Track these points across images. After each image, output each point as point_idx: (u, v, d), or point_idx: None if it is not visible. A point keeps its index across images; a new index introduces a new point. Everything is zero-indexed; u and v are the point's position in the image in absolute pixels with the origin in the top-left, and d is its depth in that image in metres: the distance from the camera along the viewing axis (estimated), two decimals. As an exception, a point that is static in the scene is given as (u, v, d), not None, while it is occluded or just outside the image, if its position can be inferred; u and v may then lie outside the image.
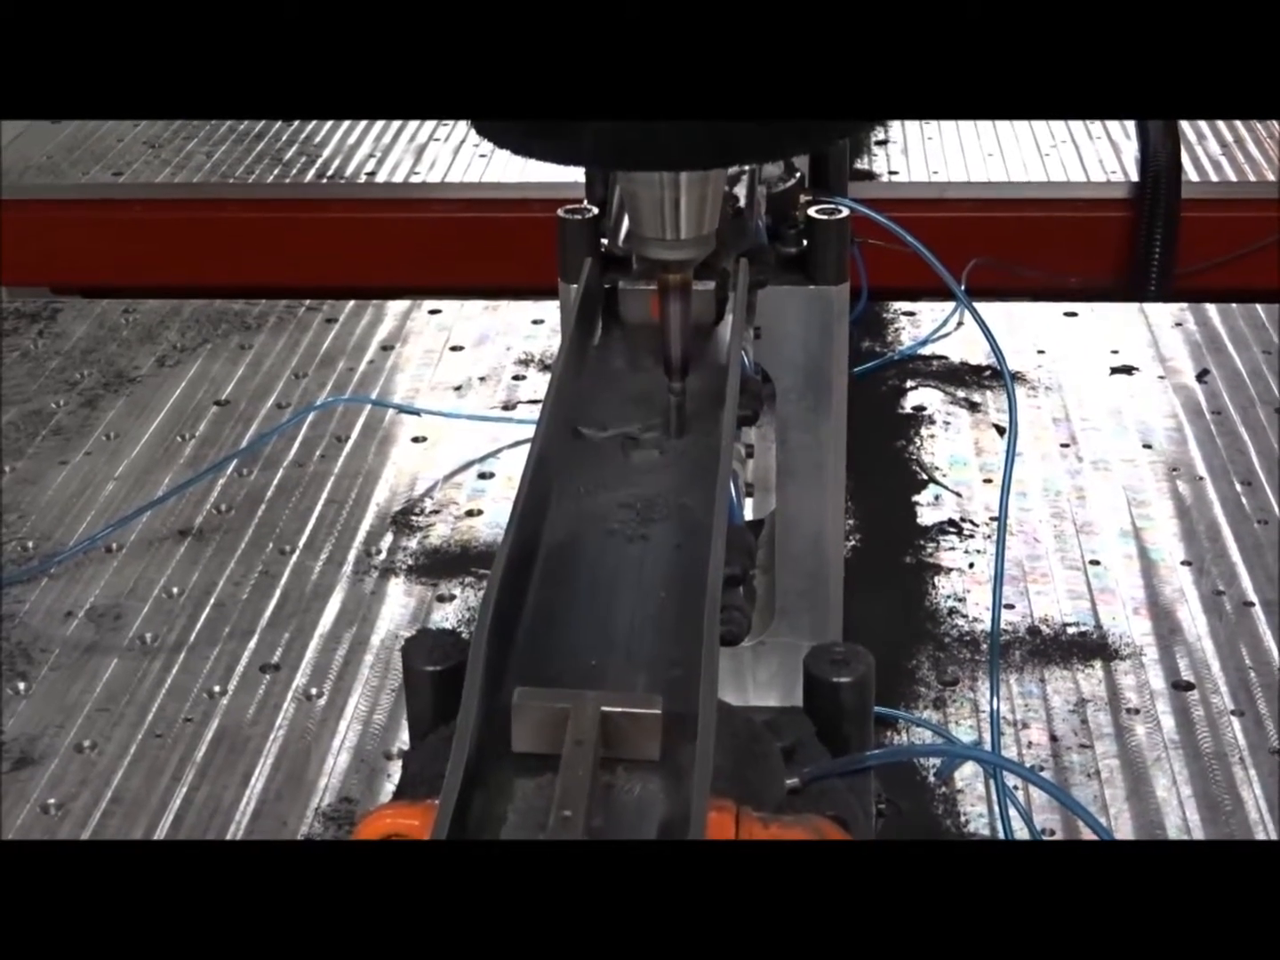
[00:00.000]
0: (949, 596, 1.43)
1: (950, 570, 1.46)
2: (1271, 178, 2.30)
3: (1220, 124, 2.46)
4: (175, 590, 1.45)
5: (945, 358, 1.83)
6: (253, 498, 1.59)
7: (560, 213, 1.08)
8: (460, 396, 1.77)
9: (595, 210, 1.07)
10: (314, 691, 1.32)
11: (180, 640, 1.39)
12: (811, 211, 1.08)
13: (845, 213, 1.08)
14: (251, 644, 1.38)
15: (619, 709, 0.54)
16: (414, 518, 1.56)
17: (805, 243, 1.09)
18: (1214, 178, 2.31)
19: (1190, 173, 2.30)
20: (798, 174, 1.15)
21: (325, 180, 2.37)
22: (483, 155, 2.42)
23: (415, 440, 1.69)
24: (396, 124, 2.55)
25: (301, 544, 1.52)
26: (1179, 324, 1.89)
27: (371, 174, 2.38)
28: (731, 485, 0.69)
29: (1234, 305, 1.91)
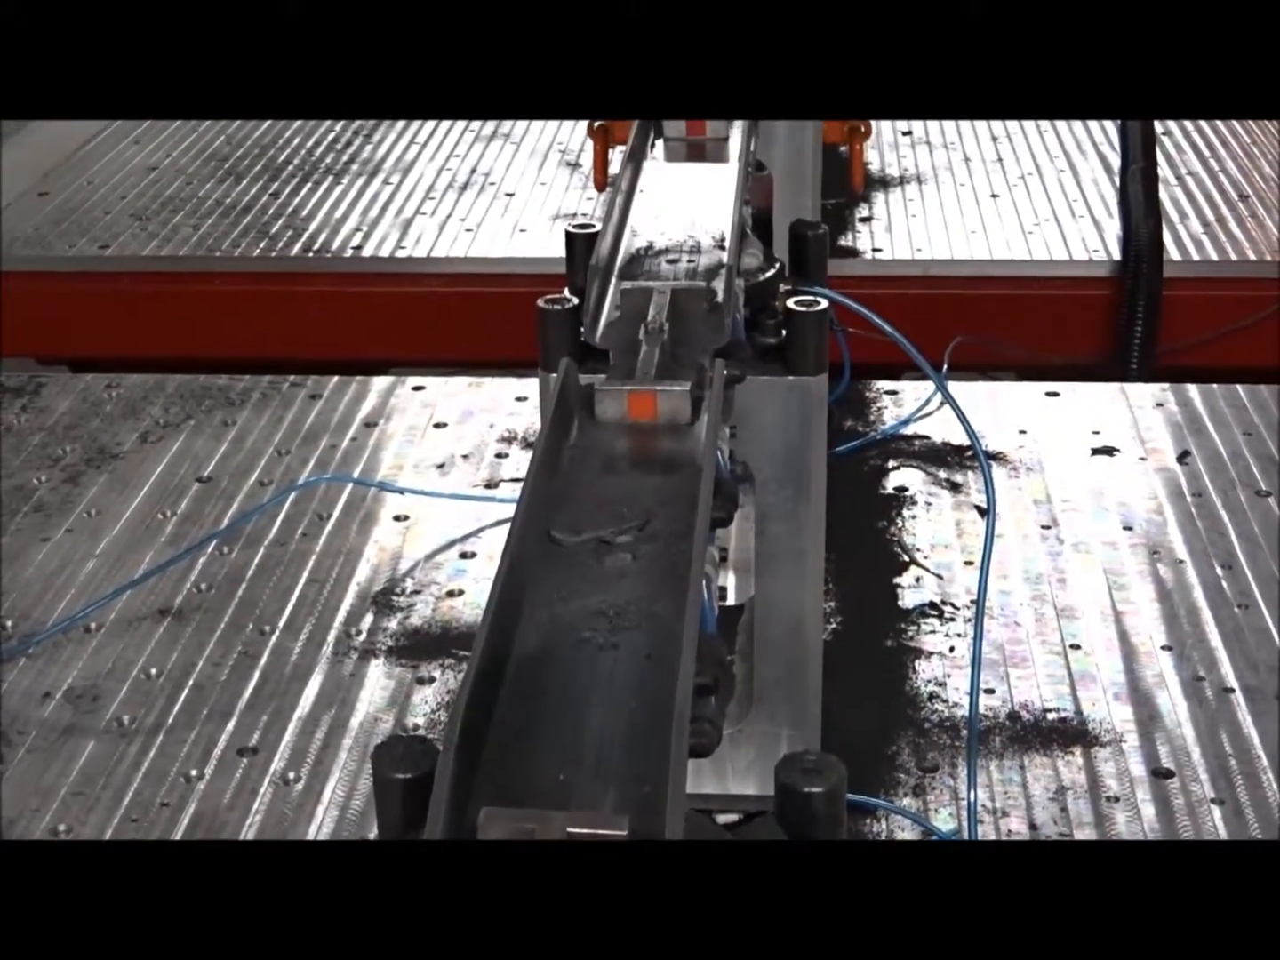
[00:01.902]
0: (929, 681, 1.43)
1: (931, 654, 1.46)
2: (1253, 256, 2.31)
3: (1201, 202, 2.48)
4: (154, 671, 1.45)
5: (927, 437, 1.83)
6: (233, 577, 1.59)
7: (540, 303, 1.08)
8: (443, 474, 1.77)
9: (575, 300, 1.08)
10: (291, 776, 1.32)
11: (158, 722, 1.38)
12: (790, 303, 1.08)
13: (824, 304, 1.08)
14: (230, 726, 1.38)
15: (585, 830, 0.54)
16: (395, 598, 1.56)
17: (784, 333, 1.09)
18: (1195, 256, 2.32)
19: (1172, 251, 2.31)
20: (777, 263, 1.16)
21: (311, 254, 2.37)
22: (469, 230, 2.43)
23: (397, 519, 1.69)
24: (383, 199, 2.56)
25: (281, 624, 1.52)
26: (1160, 404, 1.89)
27: (358, 248, 2.39)
28: (705, 591, 0.69)
29: (1215, 386, 1.92)
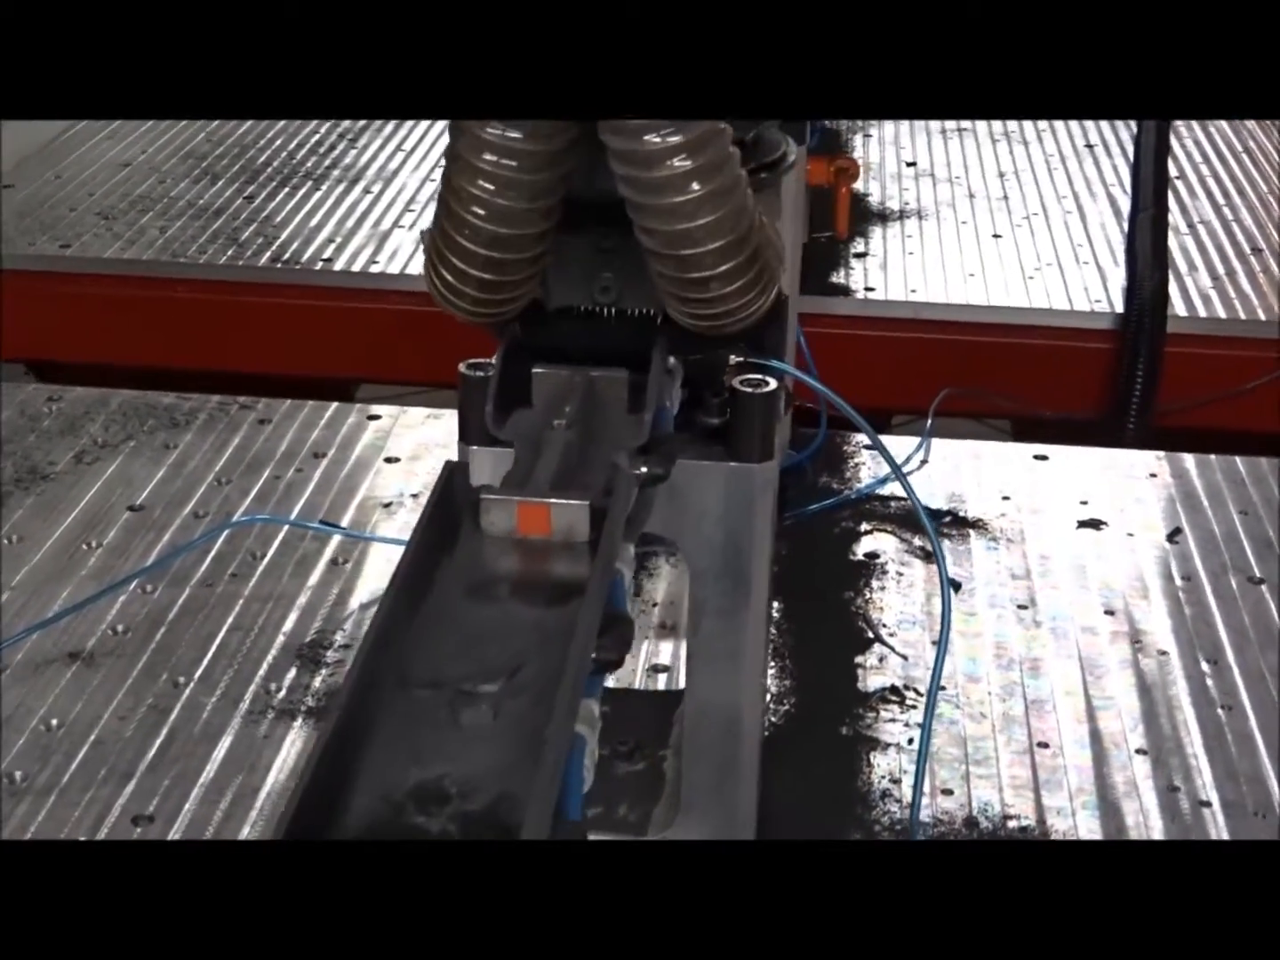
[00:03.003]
0: (884, 776, 1.33)
1: (888, 746, 1.36)
2: (1262, 315, 2.21)
3: (1212, 254, 2.37)
4: (54, 722, 1.35)
5: (904, 499, 1.73)
6: (153, 619, 1.49)
7: (462, 367, 0.99)
8: (390, 514, 1.67)
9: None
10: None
11: (51, 782, 1.29)
12: (735, 382, 0.98)
13: (772, 385, 0.98)
14: (128, 790, 1.28)
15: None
16: (322, 651, 1.46)
17: (728, 412, 1.00)
18: (1202, 312, 2.22)
19: (1178, 305, 2.21)
20: (729, 333, 1.05)
21: (280, 264, 2.27)
22: (445, 247, 2.33)
23: (334, 562, 1.59)
24: (361, 209, 2.46)
25: (197, 675, 1.42)
26: (1154, 475, 1.79)
27: (328, 260, 2.29)
28: (572, 763, 0.59)
29: (1212, 457, 1.82)
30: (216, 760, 1.32)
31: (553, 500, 0.74)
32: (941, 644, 1.13)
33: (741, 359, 1.06)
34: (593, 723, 0.63)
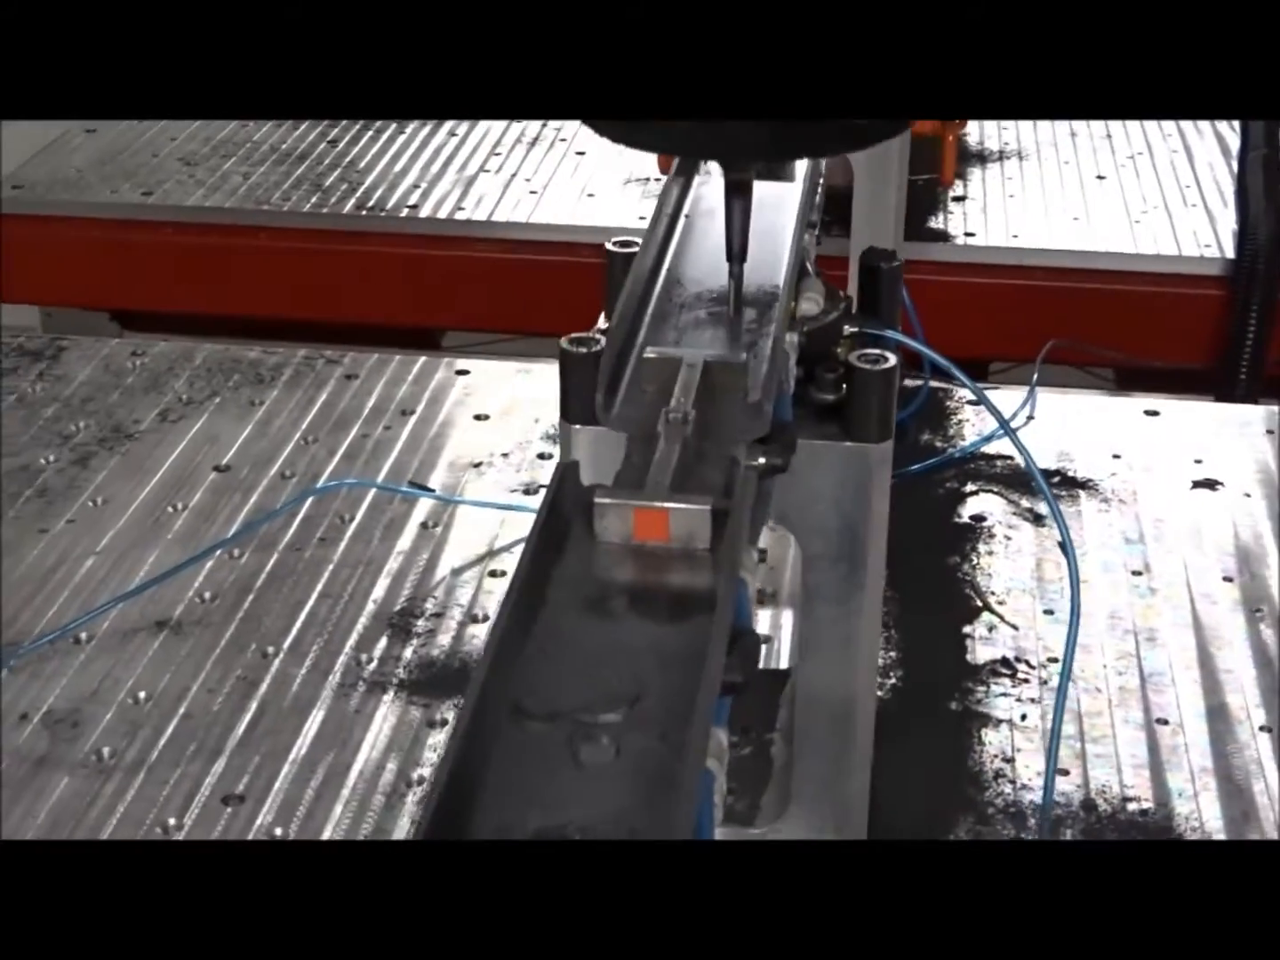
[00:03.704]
0: (996, 756, 1.28)
1: (1000, 722, 1.31)
2: (1380, 260, 2.12)
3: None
4: (143, 695, 1.32)
5: (1011, 458, 1.67)
6: (241, 585, 1.46)
7: (563, 342, 0.94)
8: (480, 475, 1.63)
9: (603, 342, 0.93)
10: (279, 832, 1.19)
11: (140, 758, 1.26)
12: (853, 358, 0.93)
13: (892, 362, 0.93)
14: (217, 767, 1.25)
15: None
16: (413, 620, 1.42)
17: (844, 391, 0.94)
18: (1317, 257, 2.13)
19: (1291, 250, 2.12)
20: (842, 303, 1.00)
21: (365, 212, 2.22)
22: (533, 192, 2.28)
23: (424, 525, 1.55)
24: (446, 152, 2.41)
25: (286, 646, 1.38)
26: (1271, 430, 1.72)
27: (414, 207, 2.24)
28: (706, 800, 0.54)
29: (1333, 412, 1.74)
30: (308, 736, 1.28)
31: (672, 505, 0.69)
32: (1072, 625, 1.07)
33: (856, 329, 1.01)
34: (721, 755, 0.58)
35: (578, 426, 0.93)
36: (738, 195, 0.88)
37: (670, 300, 0.91)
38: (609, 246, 1.05)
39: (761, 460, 0.79)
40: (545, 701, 0.59)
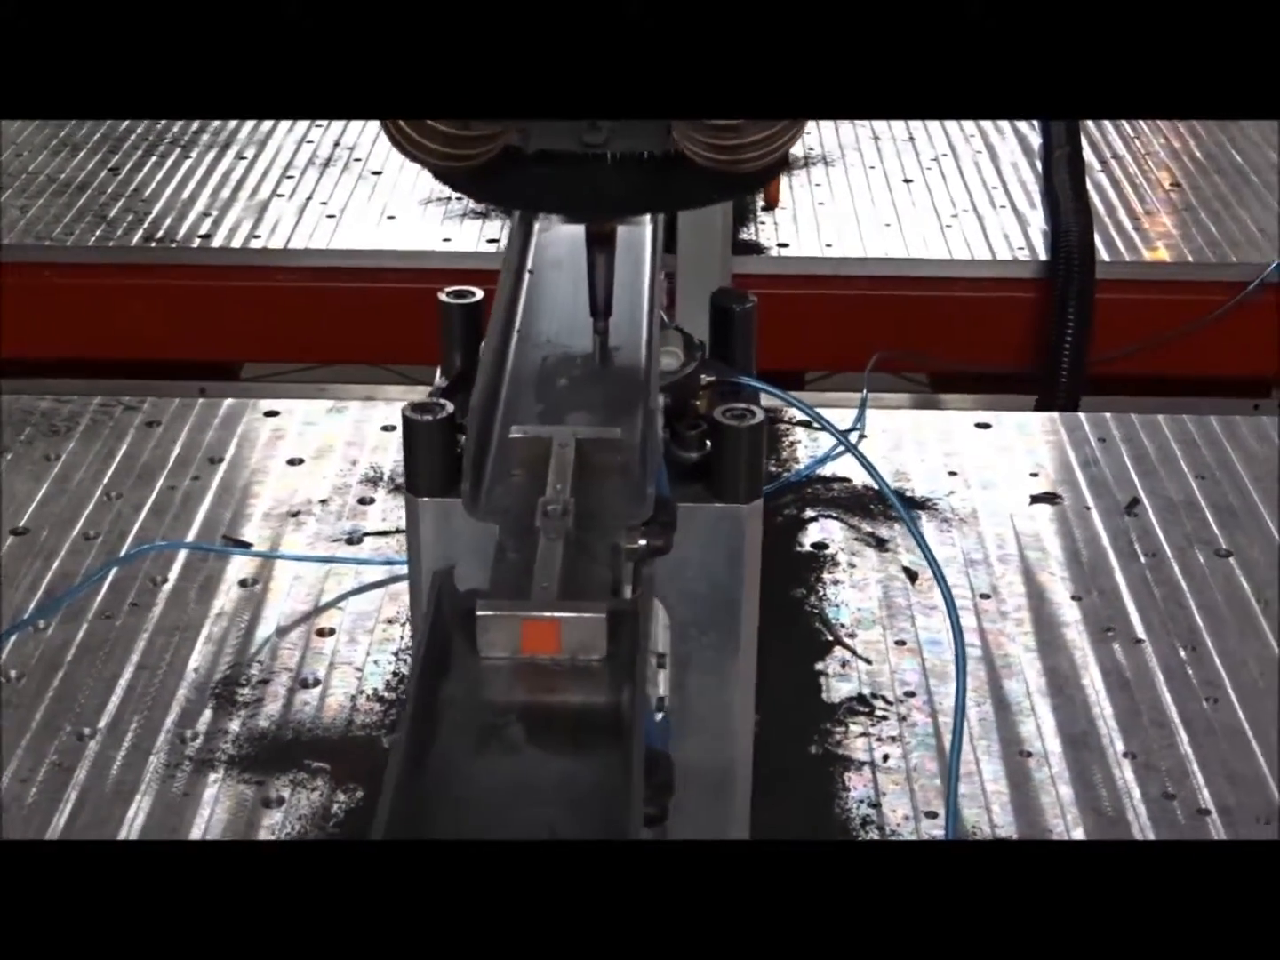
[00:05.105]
0: (861, 801, 1.23)
1: (862, 765, 1.27)
2: (1189, 257, 2.13)
3: (1131, 198, 2.29)
4: (-52, 790, 1.22)
5: (847, 480, 1.63)
6: (49, 661, 1.36)
7: (406, 411, 0.86)
8: (299, 525, 1.55)
9: (448, 408, 0.86)
10: (108, 937, 1.10)
11: (-51, 862, 1.16)
12: (718, 414, 0.87)
13: (759, 417, 0.87)
14: (36, 867, 1.15)
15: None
16: (237, 689, 1.33)
17: (709, 447, 0.88)
18: (1126, 256, 2.13)
19: (1101, 251, 2.12)
20: (698, 353, 0.94)
21: (154, 243, 2.12)
22: (330, 216, 2.19)
23: (243, 584, 1.46)
24: (236, 177, 2.31)
25: (103, 725, 1.29)
26: (1102, 439, 1.70)
27: (206, 236, 2.14)
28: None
29: (1160, 417, 1.73)
30: (134, 826, 1.19)
31: (563, 615, 0.62)
32: (959, 668, 1.02)
33: (713, 377, 0.95)
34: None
35: (425, 499, 0.86)
36: (600, 246, 0.82)
37: (528, 365, 0.84)
38: (443, 298, 0.98)
39: (642, 543, 0.73)
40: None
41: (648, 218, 0.97)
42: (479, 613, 0.62)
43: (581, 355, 0.85)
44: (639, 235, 0.94)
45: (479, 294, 0.98)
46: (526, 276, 0.90)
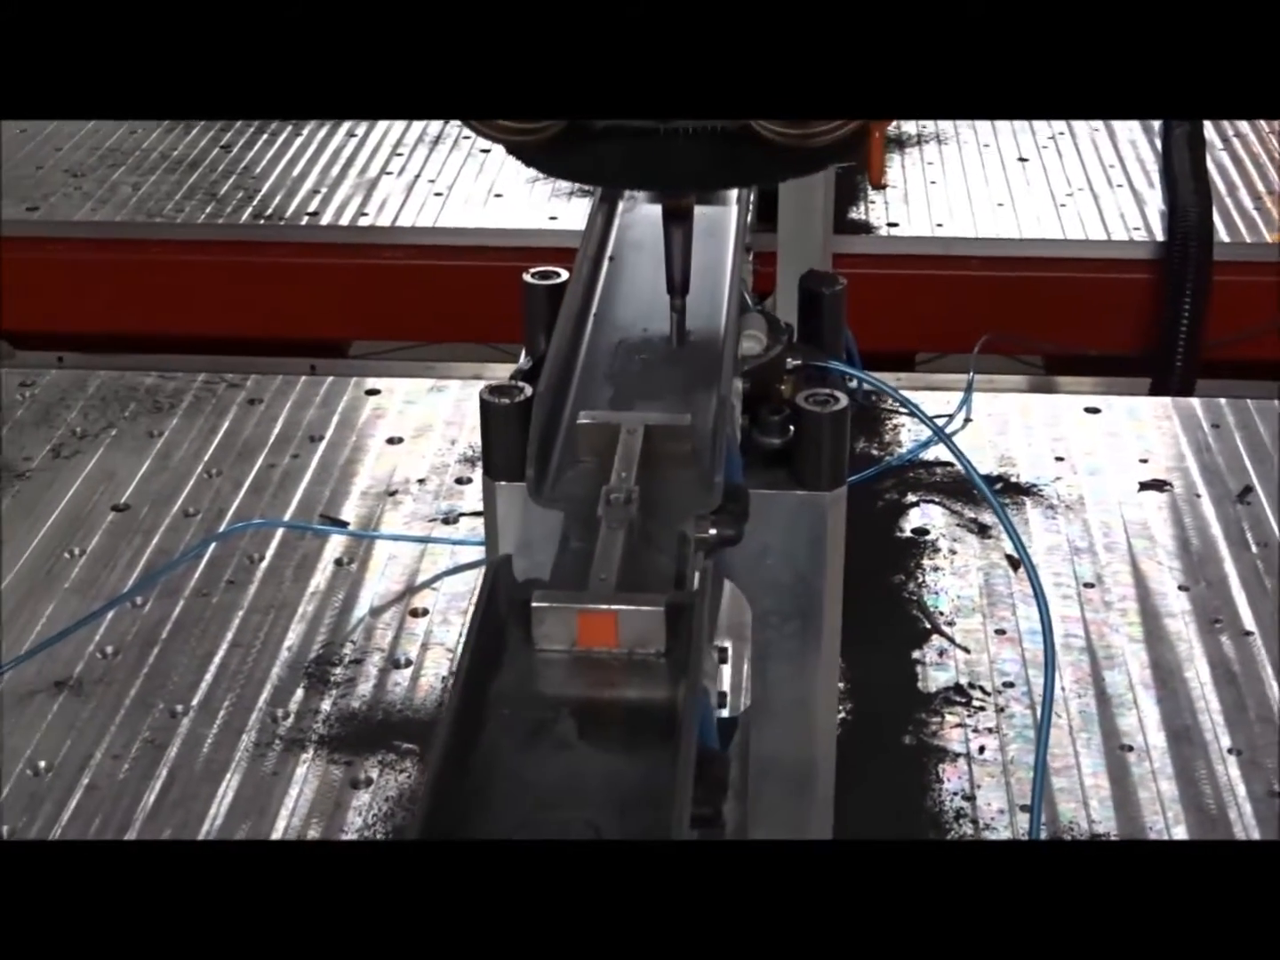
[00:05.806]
0: (955, 793, 1.21)
1: (957, 757, 1.24)
2: (1311, 238, 2.07)
3: (1254, 177, 2.23)
4: (43, 765, 1.23)
5: (951, 464, 1.60)
6: (145, 637, 1.36)
7: (483, 393, 0.85)
8: (396, 504, 1.54)
9: (526, 391, 0.84)
10: (194, 916, 1.10)
11: (41, 836, 1.16)
12: (800, 399, 0.85)
13: (843, 403, 0.85)
14: (125, 844, 1.16)
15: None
16: (330, 668, 1.33)
17: (791, 433, 0.86)
18: (1247, 237, 2.08)
19: (1220, 231, 2.07)
20: (783, 336, 0.92)
21: (263, 221, 2.13)
22: (438, 195, 2.19)
23: (339, 563, 1.46)
24: (345, 155, 2.31)
25: (196, 703, 1.29)
26: (1216, 425, 1.66)
27: (314, 214, 2.14)
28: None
29: (1276, 403, 1.68)
30: (223, 805, 1.20)
31: (621, 607, 0.61)
32: (1048, 659, 0.99)
33: (798, 362, 0.93)
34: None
35: (502, 483, 0.85)
36: (677, 223, 0.80)
37: (602, 348, 0.83)
38: (527, 279, 0.97)
39: (712, 532, 0.72)
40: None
41: (734, 199, 0.95)
42: (534, 604, 0.61)
43: (658, 339, 0.83)
44: (724, 217, 0.93)
45: (564, 275, 0.97)
46: (606, 260, 0.89)
